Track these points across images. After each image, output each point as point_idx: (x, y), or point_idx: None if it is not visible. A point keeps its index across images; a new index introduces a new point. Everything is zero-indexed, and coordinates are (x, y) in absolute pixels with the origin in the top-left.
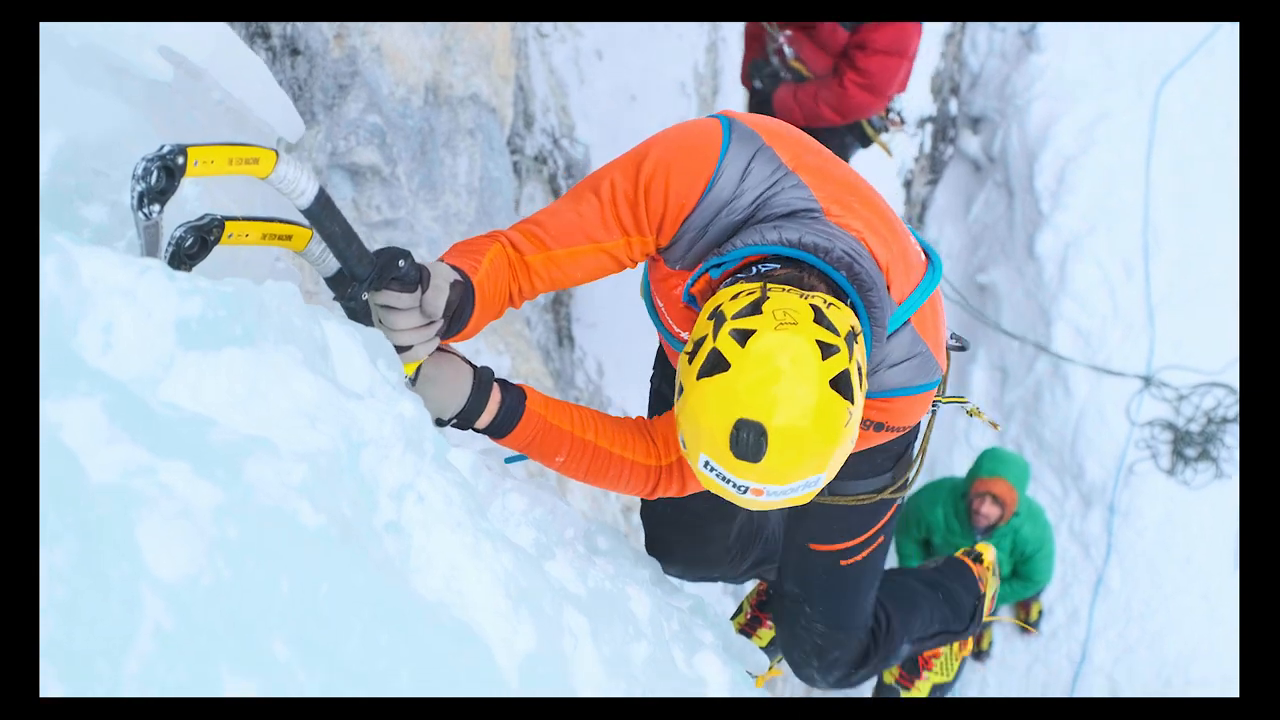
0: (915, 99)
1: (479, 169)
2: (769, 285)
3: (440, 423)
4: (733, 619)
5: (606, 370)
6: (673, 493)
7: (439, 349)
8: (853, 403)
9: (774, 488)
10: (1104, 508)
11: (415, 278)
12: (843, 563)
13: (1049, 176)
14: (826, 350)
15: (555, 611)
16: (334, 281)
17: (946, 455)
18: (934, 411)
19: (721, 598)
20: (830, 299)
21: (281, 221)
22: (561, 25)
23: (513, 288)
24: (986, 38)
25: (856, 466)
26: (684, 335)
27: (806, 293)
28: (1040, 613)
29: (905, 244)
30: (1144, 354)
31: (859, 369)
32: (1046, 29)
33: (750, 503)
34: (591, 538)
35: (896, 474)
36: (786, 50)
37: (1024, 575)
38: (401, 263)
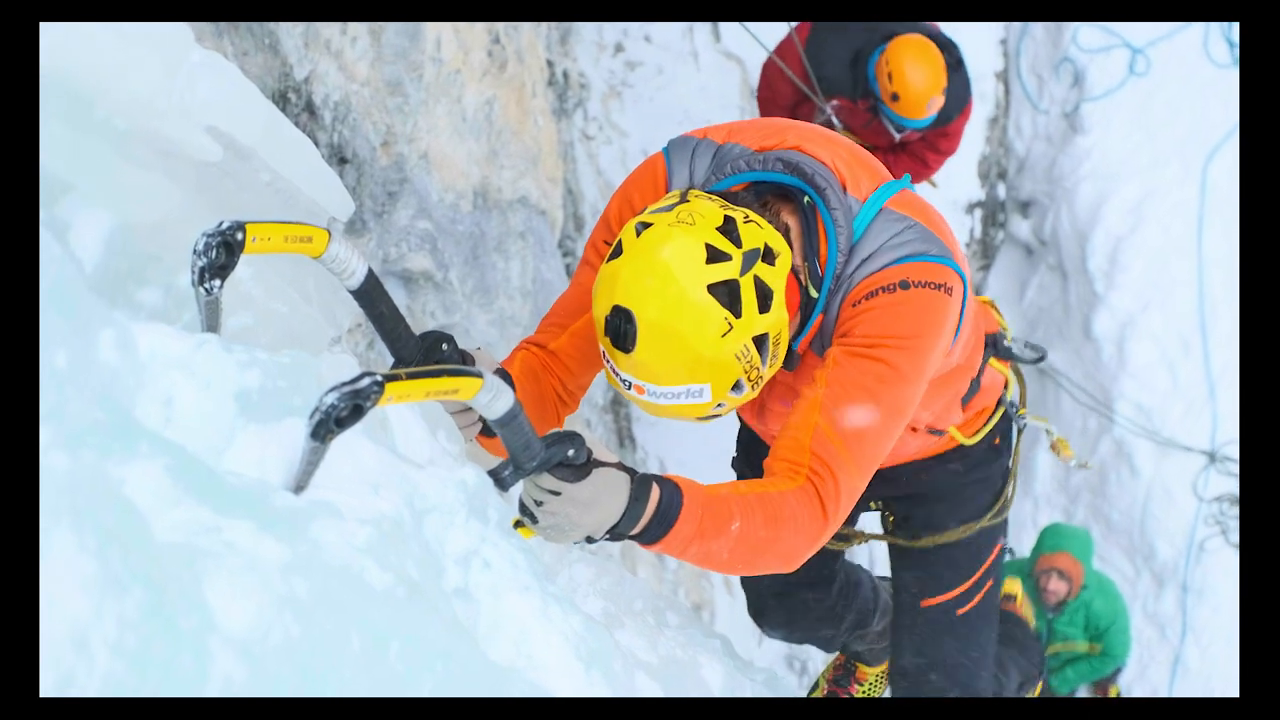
0: (963, 184)
1: (531, 271)
2: (692, 191)
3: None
4: (809, 695)
5: (669, 468)
6: (834, 507)
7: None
8: (737, 316)
9: (652, 387)
10: (1177, 586)
11: (459, 361)
12: (958, 612)
13: (1101, 257)
14: (714, 255)
15: (627, 677)
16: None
17: (1016, 541)
18: (1019, 429)
19: (786, 674)
20: (754, 215)
21: (302, 224)
22: (606, 126)
23: (555, 385)
24: (1030, 121)
25: (950, 502)
26: None
27: (730, 205)
28: (1119, 696)
29: (857, 153)
30: (1207, 429)
31: (759, 287)
32: (1089, 110)
33: (639, 401)
34: (660, 613)
35: (994, 498)
36: (835, 121)
37: (1101, 650)
38: (445, 346)
